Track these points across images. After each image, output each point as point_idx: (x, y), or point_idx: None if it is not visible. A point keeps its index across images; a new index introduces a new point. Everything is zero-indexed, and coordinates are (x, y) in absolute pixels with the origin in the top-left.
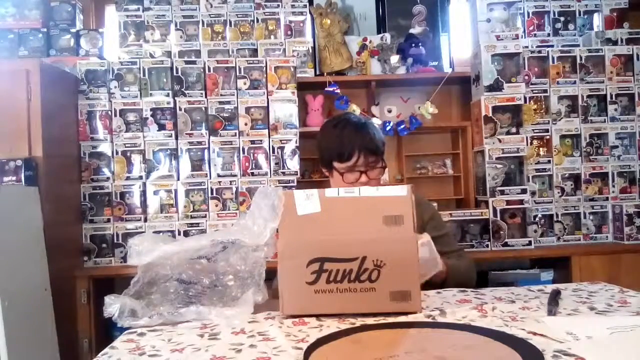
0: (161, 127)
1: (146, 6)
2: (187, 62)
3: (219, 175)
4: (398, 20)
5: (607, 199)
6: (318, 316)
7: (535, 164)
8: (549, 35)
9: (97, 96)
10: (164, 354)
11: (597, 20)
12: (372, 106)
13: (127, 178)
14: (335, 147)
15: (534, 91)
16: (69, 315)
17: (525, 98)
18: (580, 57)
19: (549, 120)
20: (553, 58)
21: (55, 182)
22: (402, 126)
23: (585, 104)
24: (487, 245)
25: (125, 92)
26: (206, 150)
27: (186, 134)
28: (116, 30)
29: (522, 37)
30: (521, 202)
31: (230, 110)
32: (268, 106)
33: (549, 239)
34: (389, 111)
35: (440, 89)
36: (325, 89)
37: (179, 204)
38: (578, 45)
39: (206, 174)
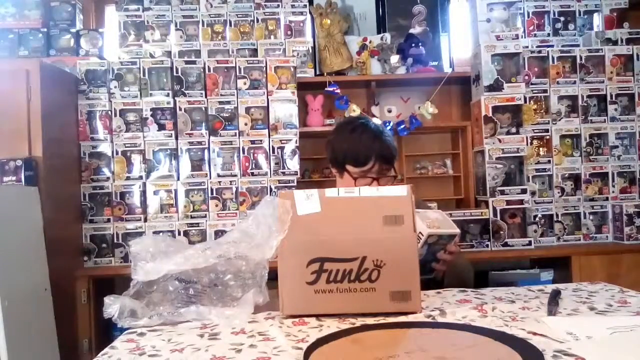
0: (161, 127)
1: (146, 6)
2: (187, 62)
3: (219, 175)
4: (398, 20)
5: (607, 199)
6: (318, 316)
7: (535, 164)
8: (549, 35)
9: (97, 96)
10: (164, 354)
11: (597, 20)
12: (372, 106)
13: (127, 178)
14: (351, 151)
15: (534, 91)
16: (69, 315)
17: (525, 98)
18: (580, 57)
19: (549, 120)
20: (553, 58)
21: (55, 182)
22: (402, 126)
23: (585, 104)
24: (487, 245)
25: (125, 92)
26: (206, 150)
27: (186, 134)
28: (116, 30)
29: (522, 37)
30: (521, 202)
31: (230, 110)
32: (268, 106)
33: (549, 239)
34: (389, 111)
35: (440, 89)
36: (325, 89)
37: (179, 204)
38: (578, 45)
39: (206, 174)
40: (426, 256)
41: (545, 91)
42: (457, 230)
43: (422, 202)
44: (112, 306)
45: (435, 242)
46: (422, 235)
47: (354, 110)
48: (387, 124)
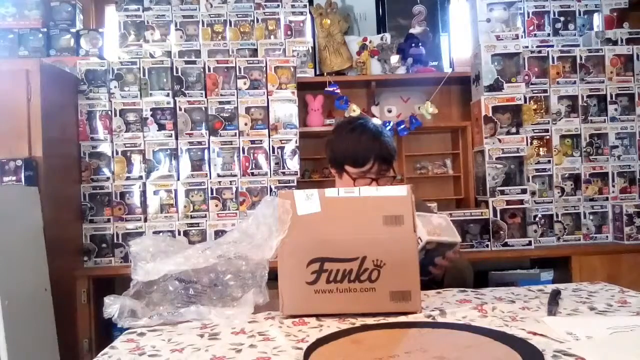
0: (161, 127)
1: (146, 6)
2: (187, 62)
3: (219, 175)
4: (398, 20)
5: (607, 199)
6: (318, 316)
7: (535, 164)
8: (549, 35)
9: (97, 96)
10: (164, 354)
11: (597, 20)
12: (372, 106)
13: (127, 178)
14: (351, 152)
15: (534, 91)
16: (69, 315)
17: (525, 98)
18: (580, 57)
19: (549, 120)
20: (553, 58)
21: (55, 182)
22: (402, 126)
23: (585, 104)
24: (487, 245)
25: (125, 92)
26: (206, 150)
27: (186, 134)
28: (116, 30)
29: (522, 37)
30: (521, 202)
31: (230, 110)
32: (268, 106)
33: (549, 239)
34: (389, 111)
35: (440, 89)
36: (325, 89)
37: (179, 204)
38: (578, 45)
39: (206, 174)
40: (423, 260)
41: (545, 91)
42: (458, 239)
43: (422, 203)
44: (112, 306)
45: (434, 248)
46: (421, 241)
47: (354, 110)
48: (387, 124)
